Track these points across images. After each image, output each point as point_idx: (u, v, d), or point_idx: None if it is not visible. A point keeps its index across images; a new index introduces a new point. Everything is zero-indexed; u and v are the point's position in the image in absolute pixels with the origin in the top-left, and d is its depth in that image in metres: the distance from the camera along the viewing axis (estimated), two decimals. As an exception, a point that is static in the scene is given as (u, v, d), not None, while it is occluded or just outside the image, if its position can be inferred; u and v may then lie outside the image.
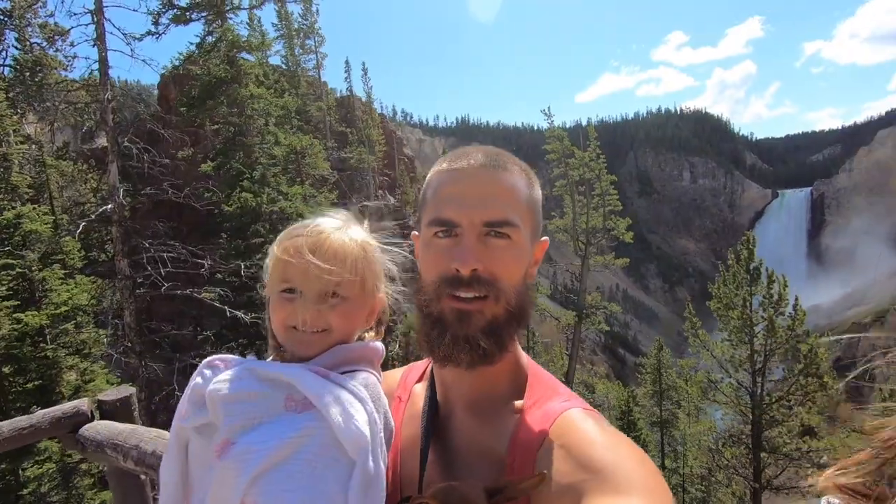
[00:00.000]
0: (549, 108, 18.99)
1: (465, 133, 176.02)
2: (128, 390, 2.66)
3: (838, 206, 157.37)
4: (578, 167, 18.84)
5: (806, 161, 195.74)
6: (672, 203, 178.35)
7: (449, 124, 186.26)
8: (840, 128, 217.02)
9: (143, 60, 9.76)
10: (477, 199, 0.79)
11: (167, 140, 10.70)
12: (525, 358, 0.91)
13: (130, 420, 2.57)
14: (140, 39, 9.82)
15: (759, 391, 14.27)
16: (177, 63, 11.45)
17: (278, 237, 0.89)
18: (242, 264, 9.03)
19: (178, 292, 8.63)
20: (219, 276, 9.66)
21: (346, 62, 28.06)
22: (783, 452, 14.42)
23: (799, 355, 13.73)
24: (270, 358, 0.92)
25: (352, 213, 0.95)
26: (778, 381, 15.01)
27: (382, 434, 0.80)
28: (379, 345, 0.93)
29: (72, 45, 11.55)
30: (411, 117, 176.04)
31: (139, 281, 9.49)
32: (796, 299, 14.56)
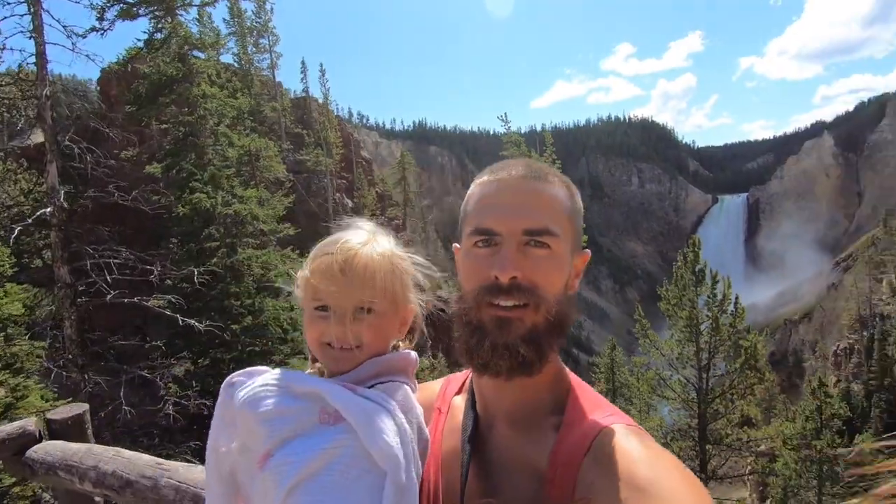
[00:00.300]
0: (505, 114, 19.44)
1: (422, 137, 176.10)
2: (80, 407, 2.50)
3: (771, 210, 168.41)
4: (535, 172, 19.30)
5: (742, 168, 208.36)
6: (622, 207, 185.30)
7: (406, 127, 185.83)
8: (772, 138, 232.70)
9: (87, 56, 9.19)
10: (517, 208, 0.81)
11: (112, 140, 10.11)
12: (566, 371, 0.91)
13: (84, 439, 2.43)
14: (84, 36, 9.24)
15: (704, 386, 15.05)
16: (123, 59, 10.87)
17: (310, 254, 0.91)
18: (196, 270, 8.66)
19: (126, 300, 8.16)
20: (169, 282, 9.23)
21: (303, 63, 27.55)
22: (726, 443, 15.27)
23: (740, 350, 14.59)
24: (309, 371, 0.94)
25: (377, 224, 0.96)
26: (721, 375, 15.88)
27: (415, 445, 0.81)
28: (412, 354, 0.94)
29: (-1, 35, 10.72)
30: (368, 120, 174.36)
31: (81, 289, 8.91)
32: (737, 298, 15.50)
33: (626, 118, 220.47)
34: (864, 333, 44.38)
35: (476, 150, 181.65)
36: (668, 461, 0.69)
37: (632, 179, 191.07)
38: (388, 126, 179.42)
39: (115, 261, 8.51)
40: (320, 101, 28.88)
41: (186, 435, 8.33)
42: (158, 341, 8.35)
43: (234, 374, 0.89)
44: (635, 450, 0.72)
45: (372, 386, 0.84)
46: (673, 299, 15.52)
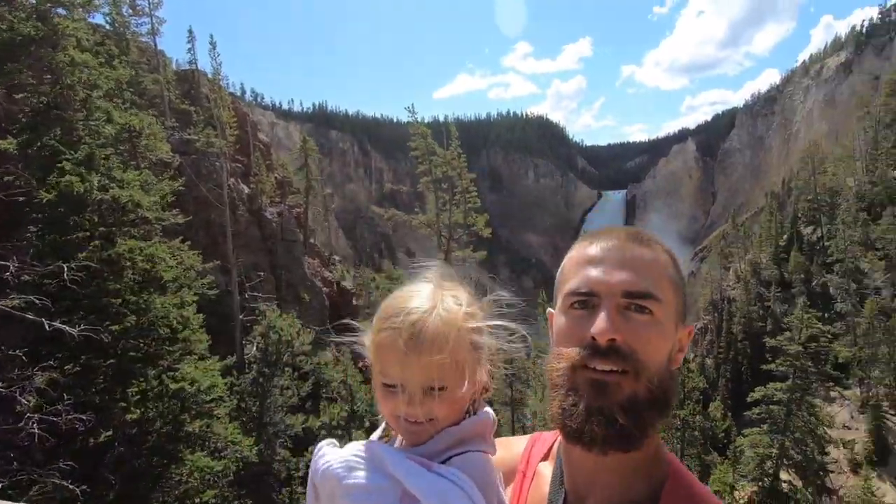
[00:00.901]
0: (412, 105, 19.36)
1: (322, 120, 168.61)
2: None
3: (645, 206, 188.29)
4: (441, 165, 19.51)
5: (622, 167, 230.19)
6: (519, 199, 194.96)
7: (305, 109, 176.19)
8: (647, 140, 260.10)
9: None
10: (617, 268, 0.77)
11: (-53, 108, 8.25)
12: (667, 453, 0.83)
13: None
14: None
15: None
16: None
17: (374, 318, 0.85)
18: (65, 265, 7.47)
19: (-29, 302, 6.77)
20: (27, 279, 7.87)
21: (190, 31, 24.78)
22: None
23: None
24: (380, 433, 0.92)
25: (441, 268, 0.91)
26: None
27: None
28: (489, 415, 0.89)
29: None
30: (263, 98, 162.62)
31: None
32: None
33: (524, 115, 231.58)
34: (716, 315, 51.76)
35: (379, 136, 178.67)
36: None
37: (528, 174, 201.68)
38: (285, 107, 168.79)
39: (-45, 255, 7.00)
40: (210, 75, 26.34)
41: (54, 456, 7.23)
42: (16, 350, 7.09)
43: (322, 445, 0.86)
44: None
45: (449, 458, 0.81)
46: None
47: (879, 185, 39.42)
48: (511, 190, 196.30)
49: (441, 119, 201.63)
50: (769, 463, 18.92)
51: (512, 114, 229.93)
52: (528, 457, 0.96)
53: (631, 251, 0.79)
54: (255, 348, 16.26)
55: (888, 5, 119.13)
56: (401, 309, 0.82)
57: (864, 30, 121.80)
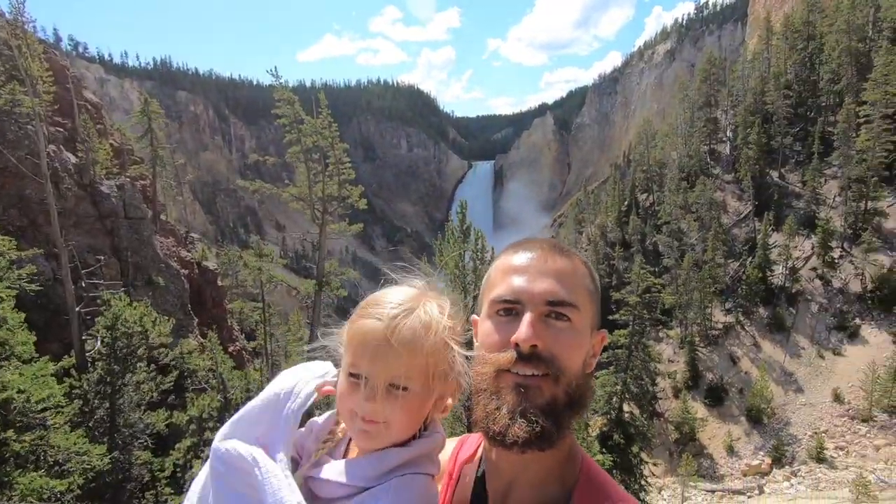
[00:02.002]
0: (275, 68, 17.84)
1: (166, 78, 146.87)
2: None
3: (511, 176, 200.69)
4: (311, 134, 18.49)
5: (490, 138, 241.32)
6: (392, 169, 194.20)
7: (145, 65, 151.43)
8: (512, 113, 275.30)
9: None
10: (539, 278, 0.81)
11: None
12: (579, 451, 0.88)
13: None
14: None
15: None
16: None
17: (355, 310, 0.85)
18: None
19: None
20: None
21: (-28, -44, 19.46)
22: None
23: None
24: (331, 415, 0.92)
25: (430, 283, 0.91)
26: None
27: None
28: (439, 437, 0.90)
29: None
30: (87, 49, 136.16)
31: None
32: (492, 251, 18.29)
33: (395, 83, 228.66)
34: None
35: (238, 100, 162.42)
36: None
37: (401, 143, 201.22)
38: (117, 60, 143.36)
39: None
40: (8, 15, 21.14)
41: None
42: None
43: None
44: None
45: (390, 480, 0.80)
46: (446, 254, 17.39)
47: (694, 157, 46.90)
48: (384, 159, 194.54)
49: (308, 84, 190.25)
50: (615, 398, 22.04)
51: (382, 81, 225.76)
52: (455, 457, 0.99)
53: (553, 262, 0.83)
54: (98, 343, 14.09)
55: (701, 2, 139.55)
56: (386, 302, 0.83)
57: (685, 22, 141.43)
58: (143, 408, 14.70)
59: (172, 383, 16.34)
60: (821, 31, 41.71)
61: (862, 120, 32.62)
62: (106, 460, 10.98)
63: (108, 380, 13.94)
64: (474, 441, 1.01)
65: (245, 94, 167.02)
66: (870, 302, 29.77)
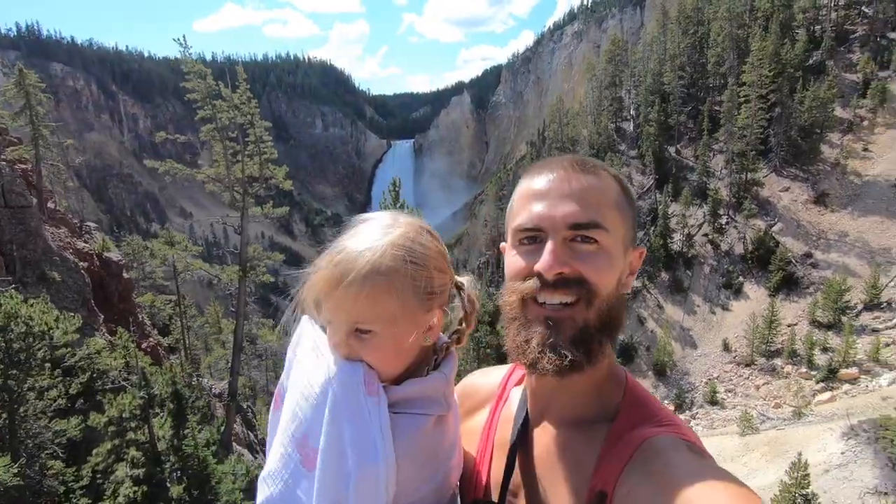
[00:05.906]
0: (184, 37, 16.35)
1: (34, 48, 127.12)
2: None
3: (431, 155, 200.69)
4: (228, 110, 17.33)
5: (409, 117, 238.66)
6: (308, 150, 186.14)
7: (7, 32, 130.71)
8: (430, 91, 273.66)
9: None
10: (561, 201, 0.77)
11: None
12: (622, 373, 0.87)
13: None
14: None
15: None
16: None
17: (321, 255, 0.82)
18: None
19: None
20: None
21: None
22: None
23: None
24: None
25: (398, 212, 0.87)
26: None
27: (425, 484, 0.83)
28: (443, 377, 0.86)
29: None
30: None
31: None
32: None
33: (307, 59, 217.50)
34: (495, 249, 59.87)
35: (129, 75, 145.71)
36: (719, 476, 0.63)
37: (316, 122, 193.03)
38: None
39: None
40: None
41: None
42: None
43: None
44: (680, 460, 0.67)
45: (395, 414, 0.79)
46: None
47: (603, 135, 49.99)
48: (299, 140, 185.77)
49: (208, 58, 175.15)
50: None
51: (293, 56, 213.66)
52: (505, 382, 1.03)
53: (576, 181, 0.78)
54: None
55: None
56: (343, 246, 0.79)
57: (589, 4, 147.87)
58: (49, 415, 13.32)
59: (81, 386, 14.92)
60: (708, 18, 45.81)
61: (742, 99, 36.66)
62: (11, 473, 9.91)
63: (4, 387, 12.44)
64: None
65: (135, 68, 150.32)
66: (750, 262, 34.04)
